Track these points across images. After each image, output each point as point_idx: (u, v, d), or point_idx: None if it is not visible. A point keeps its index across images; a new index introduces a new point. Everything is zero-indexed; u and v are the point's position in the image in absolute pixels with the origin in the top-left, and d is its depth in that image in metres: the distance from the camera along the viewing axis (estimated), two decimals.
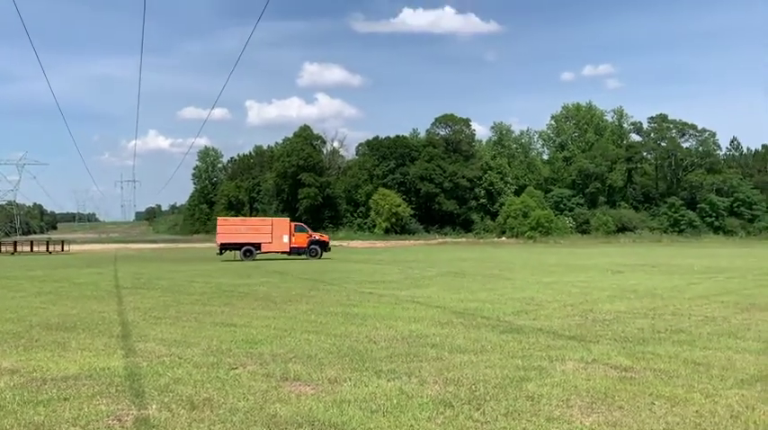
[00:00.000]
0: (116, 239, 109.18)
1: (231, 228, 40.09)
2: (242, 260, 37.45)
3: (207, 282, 20.83)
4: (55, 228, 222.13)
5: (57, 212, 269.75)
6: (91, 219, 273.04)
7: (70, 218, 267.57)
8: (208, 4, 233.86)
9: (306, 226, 43.67)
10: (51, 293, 17.24)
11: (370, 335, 9.60)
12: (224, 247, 39.13)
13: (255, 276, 23.29)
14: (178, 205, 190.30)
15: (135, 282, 21.36)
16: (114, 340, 9.56)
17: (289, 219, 43.15)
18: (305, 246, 39.63)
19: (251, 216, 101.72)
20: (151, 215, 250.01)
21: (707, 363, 7.59)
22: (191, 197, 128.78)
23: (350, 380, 6.89)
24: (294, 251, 39.40)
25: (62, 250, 62.46)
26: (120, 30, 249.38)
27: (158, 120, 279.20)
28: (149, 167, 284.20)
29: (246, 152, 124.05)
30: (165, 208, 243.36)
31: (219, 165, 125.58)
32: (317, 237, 40.81)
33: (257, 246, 38.77)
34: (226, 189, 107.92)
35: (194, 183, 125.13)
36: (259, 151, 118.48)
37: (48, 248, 61.76)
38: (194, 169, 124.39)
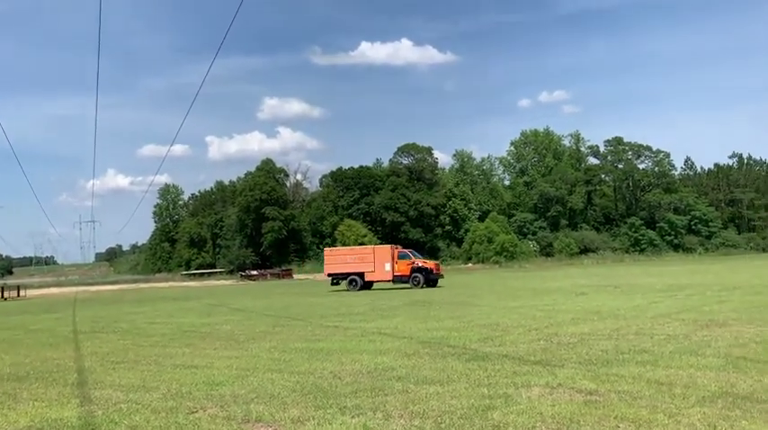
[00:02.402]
0: (75, 282, 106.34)
1: (337, 258, 39.40)
2: (348, 290, 36.94)
3: (168, 322, 20.35)
4: (11, 272, 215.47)
5: (12, 257, 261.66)
6: (49, 262, 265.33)
7: (27, 262, 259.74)
8: (165, 40, 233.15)
9: (411, 252, 40.11)
10: (4, 342, 16.60)
11: (334, 371, 9.44)
12: (333, 277, 38.92)
13: (218, 315, 22.84)
14: (139, 244, 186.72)
15: (93, 325, 20.74)
16: (69, 388, 9.21)
17: (391, 245, 40.62)
18: (408, 274, 37.21)
19: (213, 252, 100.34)
20: (112, 255, 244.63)
21: (669, 382, 7.64)
22: (152, 236, 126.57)
23: (313, 418, 6.73)
24: (397, 279, 37.38)
25: (18, 295, 60.48)
26: (76, 68, 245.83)
27: (117, 159, 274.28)
28: (109, 207, 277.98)
29: (208, 188, 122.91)
30: (125, 248, 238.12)
31: (180, 202, 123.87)
32: (419, 264, 37.79)
33: (361, 275, 37.58)
34: (187, 226, 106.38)
35: (155, 222, 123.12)
36: (221, 187, 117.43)
37: (2, 294, 59.77)
38: (155, 207, 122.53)
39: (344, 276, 38.12)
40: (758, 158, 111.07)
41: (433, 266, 38.28)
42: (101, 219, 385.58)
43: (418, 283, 36.52)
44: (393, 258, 37.49)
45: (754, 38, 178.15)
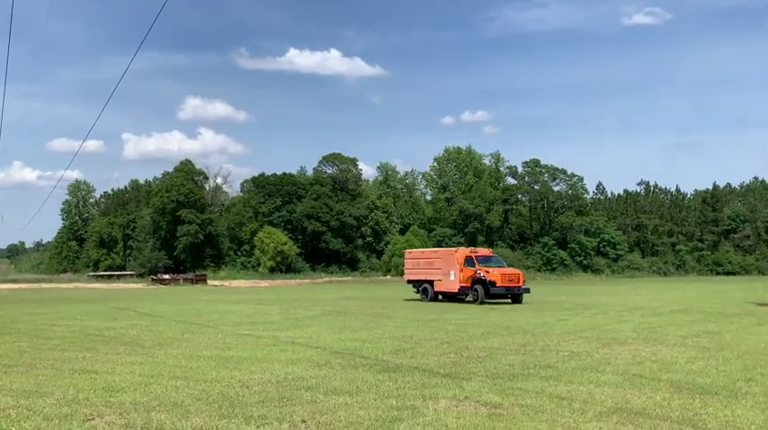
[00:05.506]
0: None
1: (414, 262, 33.56)
2: (422, 300, 31.31)
3: (70, 325, 19.33)
4: None
5: None
6: None
7: None
8: (85, 31, 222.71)
9: (478, 257, 30.37)
10: None
11: (243, 380, 9.25)
12: (413, 284, 33.33)
13: (124, 319, 21.91)
14: (44, 242, 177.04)
15: None
16: None
17: (458, 249, 33.33)
18: (470, 286, 29.46)
19: (123, 253, 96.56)
20: (13, 252, 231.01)
21: (570, 397, 7.93)
22: (58, 233, 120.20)
23: (217, 428, 6.58)
24: (463, 291, 29.81)
25: None
26: None
27: (25, 151, 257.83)
28: (13, 201, 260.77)
29: (122, 187, 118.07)
30: (29, 245, 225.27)
31: (92, 200, 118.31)
32: (481, 274, 28.73)
33: (431, 283, 31.40)
34: (97, 225, 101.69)
35: (63, 219, 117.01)
36: (135, 186, 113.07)
37: None
38: (63, 204, 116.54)
39: (420, 283, 32.45)
40: (663, 187, 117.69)
41: (496, 278, 28.38)
42: (2, 214, 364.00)
43: (476, 298, 28.81)
44: (459, 265, 29.97)
45: (668, 71, 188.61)
